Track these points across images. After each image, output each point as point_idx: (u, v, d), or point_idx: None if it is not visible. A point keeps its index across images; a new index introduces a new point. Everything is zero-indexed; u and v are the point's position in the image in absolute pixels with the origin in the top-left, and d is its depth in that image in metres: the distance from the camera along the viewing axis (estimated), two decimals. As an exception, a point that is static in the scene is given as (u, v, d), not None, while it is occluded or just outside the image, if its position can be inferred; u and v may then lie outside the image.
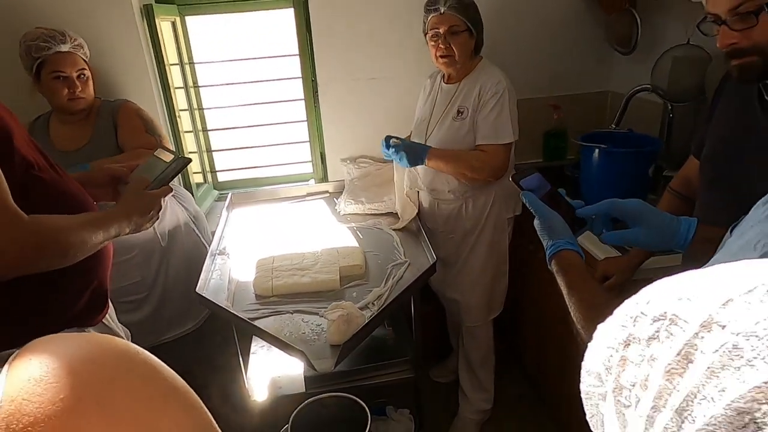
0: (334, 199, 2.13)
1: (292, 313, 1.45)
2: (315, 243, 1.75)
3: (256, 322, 1.38)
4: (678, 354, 0.25)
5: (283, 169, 2.38)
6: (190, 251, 1.86)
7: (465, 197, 1.79)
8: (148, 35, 1.90)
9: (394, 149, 1.71)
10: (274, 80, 2.20)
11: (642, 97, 1.89)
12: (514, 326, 2.26)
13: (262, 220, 2.02)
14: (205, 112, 2.25)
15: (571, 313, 0.85)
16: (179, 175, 1.48)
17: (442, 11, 1.60)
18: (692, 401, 0.23)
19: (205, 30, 2.36)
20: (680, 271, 0.31)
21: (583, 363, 0.33)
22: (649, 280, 0.32)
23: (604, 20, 2.11)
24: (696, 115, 1.80)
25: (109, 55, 1.86)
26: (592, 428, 0.32)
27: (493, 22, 1.86)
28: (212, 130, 2.28)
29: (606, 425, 0.30)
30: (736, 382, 0.22)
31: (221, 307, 1.41)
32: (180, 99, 2.09)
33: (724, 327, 0.24)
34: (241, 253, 1.75)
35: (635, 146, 1.79)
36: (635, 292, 0.31)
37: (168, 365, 0.35)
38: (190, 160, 1.35)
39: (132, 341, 0.40)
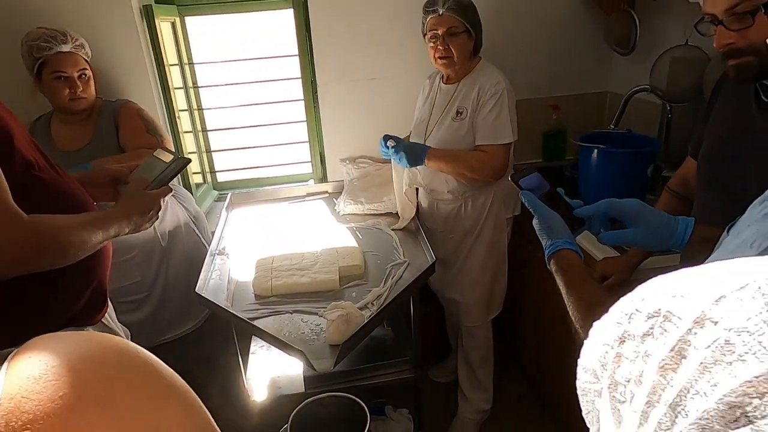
0: (334, 199, 2.13)
1: (291, 313, 1.45)
2: (314, 243, 1.76)
3: (255, 322, 1.38)
4: (672, 350, 0.25)
5: (283, 169, 2.38)
6: (191, 251, 1.86)
7: (464, 197, 1.80)
8: (148, 36, 1.90)
9: (393, 149, 1.71)
10: (273, 81, 2.20)
11: (641, 98, 1.90)
12: (514, 326, 2.26)
13: (261, 220, 2.02)
14: (205, 112, 2.25)
15: (570, 313, 0.85)
16: (179, 175, 1.49)
17: (440, 12, 1.60)
18: (685, 396, 0.23)
19: (205, 30, 2.36)
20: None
21: (579, 360, 0.33)
22: (646, 280, 0.32)
23: (603, 21, 2.12)
24: (694, 115, 1.80)
25: (109, 56, 1.86)
26: (588, 424, 0.32)
27: (492, 22, 1.87)
28: (212, 130, 2.28)
29: (601, 421, 0.30)
30: (727, 376, 0.22)
31: (221, 307, 1.42)
32: (179, 99, 2.09)
33: (716, 323, 0.24)
34: (241, 253, 1.76)
35: (634, 146, 1.79)
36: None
37: (168, 365, 0.35)
38: (189, 161, 1.35)
39: (132, 341, 0.40)
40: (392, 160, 1.80)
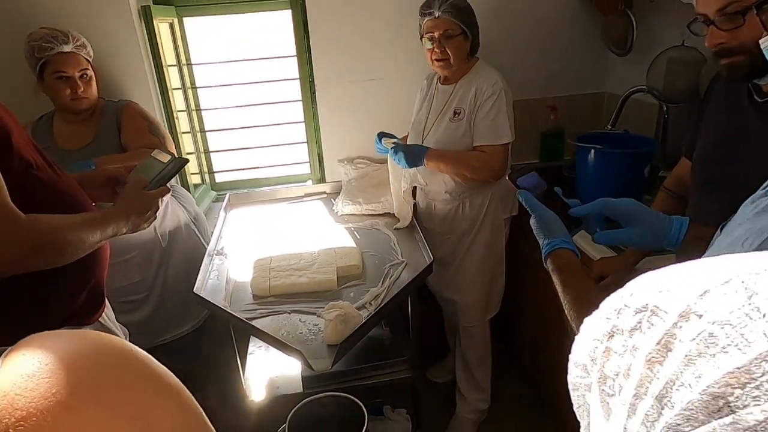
0: (332, 199, 2.13)
1: (289, 313, 1.45)
2: (312, 243, 1.76)
3: (253, 322, 1.38)
4: (658, 343, 0.26)
5: (281, 170, 2.39)
6: (190, 252, 1.87)
7: (462, 198, 1.80)
8: (146, 36, 1.90)
9: (393, 149, 1.71)
10: (271, 81, 2.21)
11: (637, 98, 1.91)
12: (513, 326, 2.27)
13: (259, 220, 2.03)
14: (203, 113, 2.26)
15: (565, 311, 0.85)
16: (177, 175, 1.49)
17: (436, 15, 1.60)
18: (671, 388, 0.24)
19: (203, 31, 2.36)
20: None
21: (570, 355, 0.33)
22: (638, 278, 0.33)
23: (600, 21, 2.12)
24: (691, 116, 1.81)
25: (107, 56, 1.87)
26: (578, 418, 0.33)
27: (489, 22, 1.87)
28: (210, 131, 2.29)
29: (591, 415, 0.31)
30: (711, 368, 0.23)
31: (219, 307, 1.42)
32: (178, 100, 2.09)
33: (701, 316, 0.24)
34: (239, 253, 1.76)
35: (631, 147, 1.80)
36: None
37: (167, 365, 0.35)
38: (187, 161, 1.36)
39: (131, 341, 0.41)
40: (389, 162, 1.80)
